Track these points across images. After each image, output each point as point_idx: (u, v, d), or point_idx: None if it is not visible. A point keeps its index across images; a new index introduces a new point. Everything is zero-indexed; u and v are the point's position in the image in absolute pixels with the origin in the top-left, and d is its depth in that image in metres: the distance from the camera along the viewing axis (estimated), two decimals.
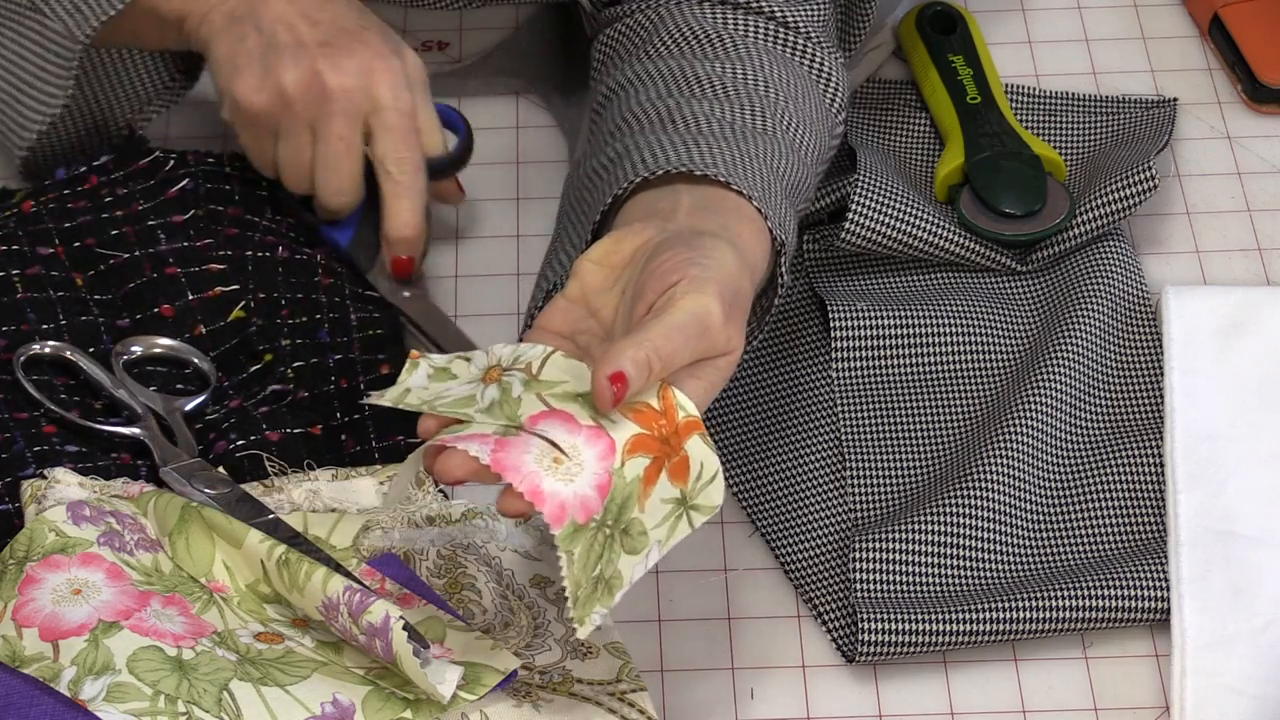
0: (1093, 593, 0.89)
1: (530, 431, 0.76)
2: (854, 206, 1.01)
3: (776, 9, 0.95)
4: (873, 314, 1.00)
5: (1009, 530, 0.93)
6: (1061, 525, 0.94)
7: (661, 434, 0.77)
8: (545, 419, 0.76)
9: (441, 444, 0.75)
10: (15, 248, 1.01)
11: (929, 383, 1.00)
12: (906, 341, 1.00)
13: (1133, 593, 0.90)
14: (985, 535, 0.92)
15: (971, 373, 1.00)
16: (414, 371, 0.82)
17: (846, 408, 0.98)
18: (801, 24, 0.96)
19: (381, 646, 0.80)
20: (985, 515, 0.92)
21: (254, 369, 0.98)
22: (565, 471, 0.74)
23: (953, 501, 0.92)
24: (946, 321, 1.01)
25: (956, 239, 1.03)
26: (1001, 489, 0.93)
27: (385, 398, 0.81)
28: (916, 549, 0.91)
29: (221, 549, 0.86)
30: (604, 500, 0.75)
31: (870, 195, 1.01)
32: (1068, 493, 0.95)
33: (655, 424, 0.77)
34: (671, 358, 0.77)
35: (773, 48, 0.95)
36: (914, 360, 1.00)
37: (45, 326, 0.98)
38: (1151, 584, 0.90)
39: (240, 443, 0.93)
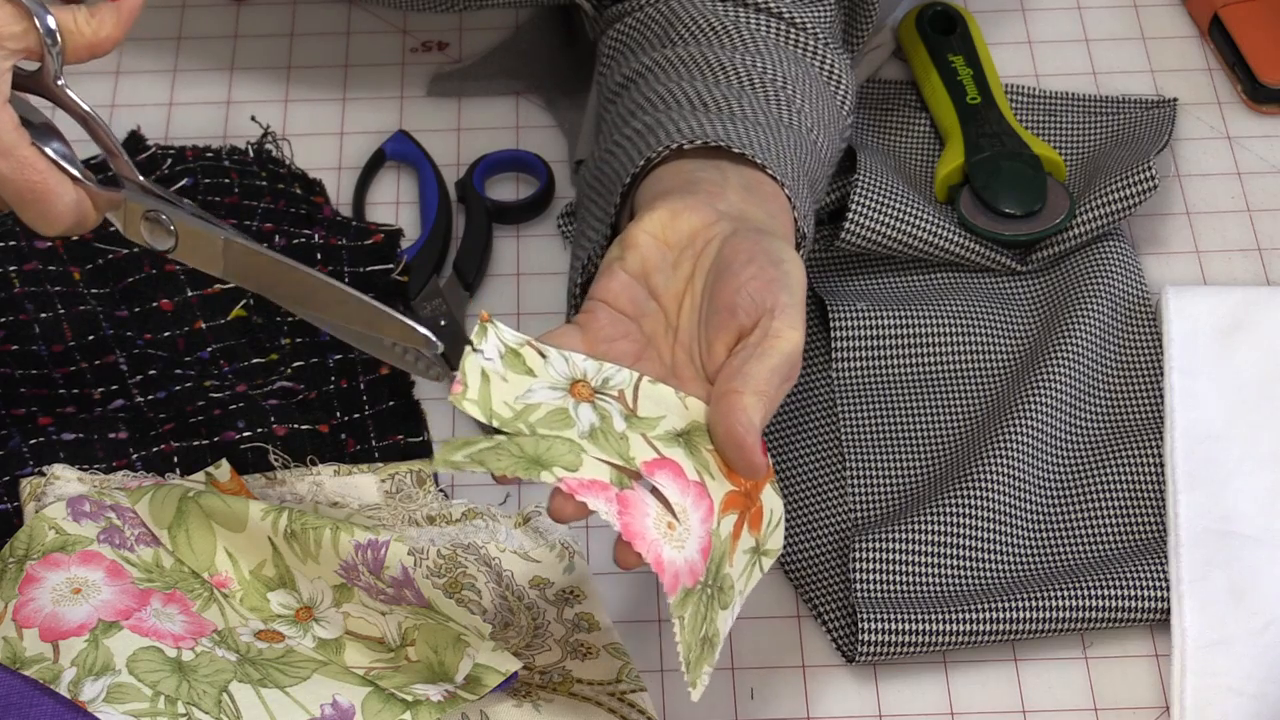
0: (1093, 593, 0.89)
1: (647, 482, 0.75)
2: (854, 206, 1.01)
3: (785, 9, 0.95)
4: (873, 314, 1.00)
5: (1009, 530, 0.93)
6: (1061, 525, 0.94)
7: (745, 489, 0.78)
8: (658, 469, 0.76)
9: (568, 490, 0.74)
10: (13, 243, 1.02)
11: (929, 383, 1.00)
12: (906, 341, 1.00)
13: (1133, 593, 0.90)
14: (985, 535, 0.92)
15: (971, 373, 1.00)
16: (484, 338, 0.78)
17: (846, 408, 0.98)
18: (810, 24, 0.96)
19: (412, 594, 0.81)
20: (985, 515, 0.92)
21: (257, 361, 0.98)
22: (677, 538, 0.75)
23: (953, 501, 0.92)
24: (946, 321, 1.01)
25: (956, 239, 1.03)
26: (1001, 489, 0.93)
27: (469, 391, 0.77)
28: (916, 549, 0.91)
29: (223, 537, 0.86)
30: (706, 563, 0.75)
31: (870, 195, 1.01)
32: (1068, 493, 0.95)
33: (742, 479, 0.78)
34: (773, 401, 0.77)
35: (785, 46, 0.95)
36: (914, 360, 1.00)
37: (43, 315, 0.98)
38: (1151, 584, 0.90)
39: (247, 433, 0.94)
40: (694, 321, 0.81)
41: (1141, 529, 0.94)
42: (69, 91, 0.81)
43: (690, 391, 0.79)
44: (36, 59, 0.80)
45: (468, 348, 0.78)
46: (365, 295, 0.79)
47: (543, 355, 0.79)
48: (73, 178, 0.81)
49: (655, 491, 0.75)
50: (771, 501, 0.80)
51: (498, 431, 0.77)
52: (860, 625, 0.88)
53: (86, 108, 0.81)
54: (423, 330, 0.77)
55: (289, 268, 0.80)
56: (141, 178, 0.83)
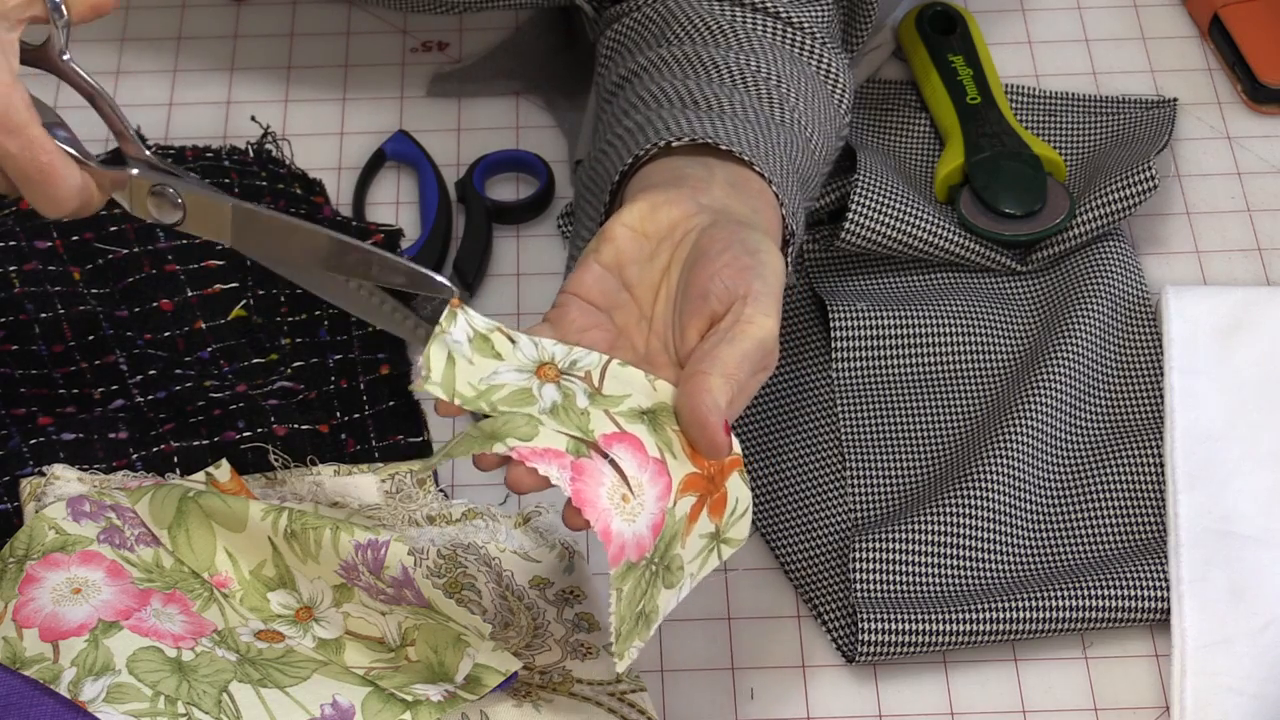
0: (1093, 593, 0.89)
1: (604, 454, 0.75)
2: (854, 206, 1.01)
3: (782, 9, 0.95)
4: (873, 314, 1.00)
5: (1009, 530, 0.93)
6: (1061, 525, 0.94)
7: (709, 472, 0.78)
8: (617, 442, 0.76)
9: (520, 458, 0.74)
10: (13, 243, 1.02)
11: (929, 383, 1.00)
12: (906, 341, 1.00)
13: (1133, 593, 0.90)
14: (985, 535, 0.92)
15: (971, 373, 1.00)
16: (453, 323, 0.78)
17: (846, 408, 0.98)
18: (807, 24, 0.96)
19: (412, 594, 0.81)
20: (985, 515, 0.92)
21: (257, 361, 0.98)
22: (630, 511, 0.75)
23: (953, 501, 0.92)
24: (946, 321, 1.01)
25: (956, 239, 1.03)
26: (1001, 489, 0.93)
27: (433, 375, 0.77)
28: (916, 549, 0.91)
29: (223, 536, 0.86)
30: (655, 540, 0.75)
31: (870, 195, 1.01)
32: (1068, 493, 0.95)
33: (706, 462, 0.78)
34: (743, 387, 0.77)
35: (781, 46, 0.95)
36: (914, 360, 1.00)
37: (43, 315, 0.98)
38: (1151, 584, 0.90)
39: (247, 434, 0.94)
40: (669, 311, 0.81)
41: (1141, 529, 0.94)
42: (74, 66, 0.81)
43: (664, 379, 0.80)
44: (44, 23, 0.80)
45: (436, 330, 0.78)
46: (377, 248, 0.79)
47: (512, 341, 0.79)
48: (78, 160, 0.81)
49: (614, 465, 0.75)
50: (738, 490, 0.79)
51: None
52: (860, 625, 0.88)
53: (92, 82, 0.81)
54: (437, 277, 0.78)
55: (297, 226, 0.81)
56: (147, 152, 0.83)
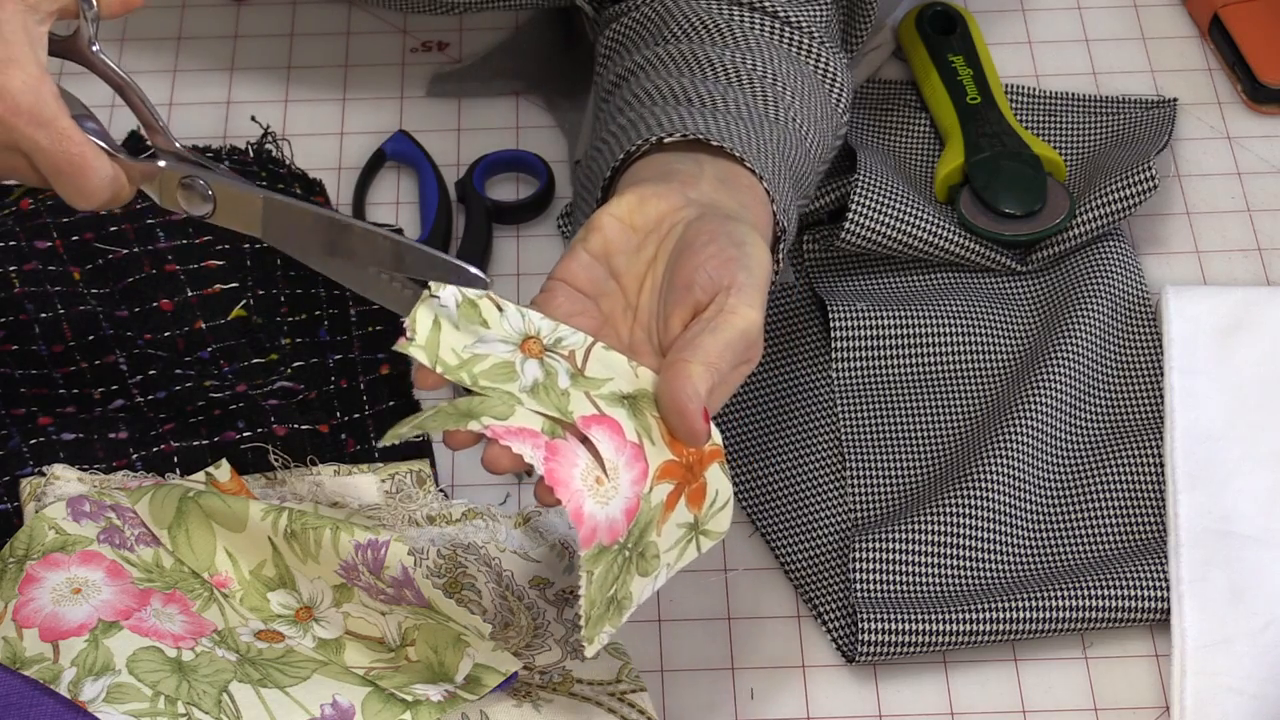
0: (1093, 593, 0.89)
1: (580, 435, 0.75)
2: (854, 206, 1.01)
3: (780, 8, 0.95)
4: (873, 314, 1.00)
5: (1009, 530, 0.93)
6: (1061, 525, 0.94)
7: (688, 461, 0.78)
8: (596, 424, 0.76)
9: (494, 436, 0.74)
10: (13, 244, 1.02)
11: (929, 383, 1.00)
12: (906, 341, 1.00)
13: (1133, 593, 0.90)
14: (985, 535, 0.92)
15: (971, 373, 1.00)
16: (442, 287, 0.78)
17: (846, 408, 0.98)
18: (805, 23, 0.96)
19: (412, 594, 0.81)
20: (985, 515, 0.92)
21: (257, 361, 0.99)
22: (603, 494, 0.75)
23: (953, 501, 0.92)
24: (946, 321, 1.01)
25: (956, 239, 1.03)
26: (1001, 489, 0.93)
27: (417, 338, 0.77)
28: (916, 549, 0.91)
29: (223, 536, 0.86)
30: (629, 525, 0.75)
31: (870, 195, 1.01)
32: (1068, 493, 0.95)
33: (684, 451, 0.78)
34: (725, 377, 0.77)
35: (779, 45, 0.95)
36: (914, 360, 1.00)
37: (43, 316, 0.98)
38: (1151, 584, 0.90)
39: (247, 434, 0.94)
40: (654, 301, 0.81)
41: (1141, 529, 0.94)
42: (104, 57, 0.81)
43: (647, 367, 0.80)
44: (73, 16, 0.80)
45: (424, 293, 0.78)
46: (409, 239, 0.79)
47: (500, 309, 0.79)
48: (108, 152, 0.81)
49: (590, 446, 0.75)
50: (718, 482, 0.79)
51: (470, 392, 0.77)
52: (860, 625, 0.88)
53: (122, 74, 0.81)
54: (471, 269, 0.78)
55: (329, 218, 0.81)
56: (178, 144, 0.83)
